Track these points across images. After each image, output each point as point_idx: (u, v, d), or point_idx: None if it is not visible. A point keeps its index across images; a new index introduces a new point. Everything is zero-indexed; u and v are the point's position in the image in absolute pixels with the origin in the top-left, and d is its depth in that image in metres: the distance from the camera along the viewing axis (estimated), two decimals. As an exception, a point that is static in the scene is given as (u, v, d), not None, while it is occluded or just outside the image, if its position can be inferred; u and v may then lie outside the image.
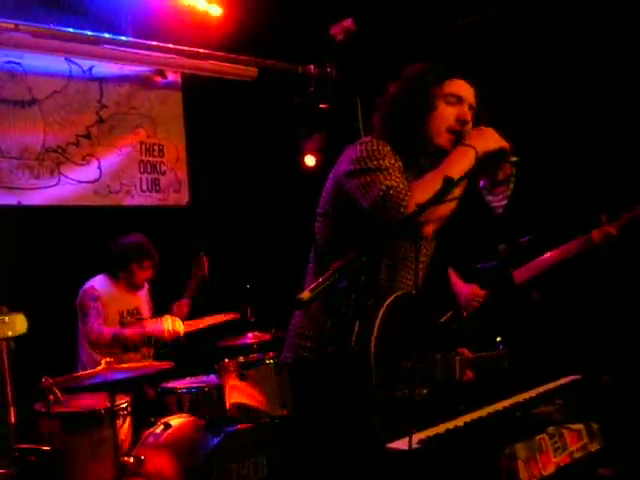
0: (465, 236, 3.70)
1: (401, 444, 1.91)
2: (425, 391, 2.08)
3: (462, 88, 2.50)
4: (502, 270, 3.39)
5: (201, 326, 4.89)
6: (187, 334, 4.77)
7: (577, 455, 1.87)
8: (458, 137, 2.42)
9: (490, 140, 2.35)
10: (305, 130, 5.97)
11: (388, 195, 2.23)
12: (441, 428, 2.08)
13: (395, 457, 1.87)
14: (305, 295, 1.72)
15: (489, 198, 3.77)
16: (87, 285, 4.59)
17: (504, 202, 3.70)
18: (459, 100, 2.47)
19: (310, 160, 5.94)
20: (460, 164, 2.30)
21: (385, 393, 2.05)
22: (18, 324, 2.54)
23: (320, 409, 2.27)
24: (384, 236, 2.16)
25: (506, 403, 2.30)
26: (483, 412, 2.21)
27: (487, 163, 2.34)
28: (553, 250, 3.38)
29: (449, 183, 2.15)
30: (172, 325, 4.64)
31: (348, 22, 5.60)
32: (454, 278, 3.74)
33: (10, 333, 2.49)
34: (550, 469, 1.77)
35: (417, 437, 1.91)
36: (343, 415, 2.16)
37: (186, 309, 4.84)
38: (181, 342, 4.77)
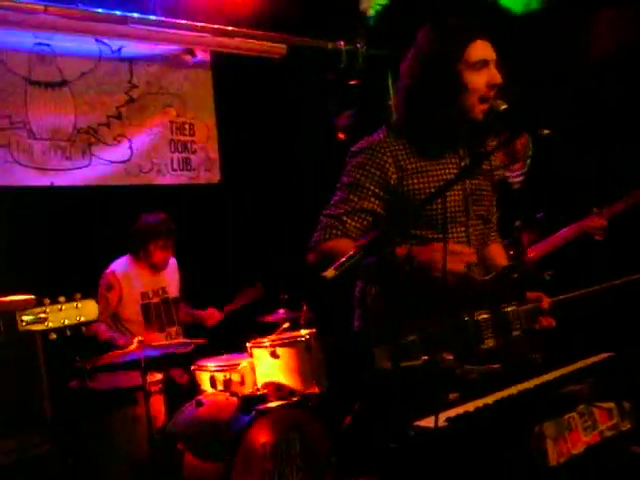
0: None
1: (428, 422, 1.89)
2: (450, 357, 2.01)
3: (485, 49, 2.23)
4: (517, 246, 3.30)
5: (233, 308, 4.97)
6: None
7: (608, 434, 1.82)
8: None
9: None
10: (336, 107, 5.91)
11: (322, 222, 2.33)
12: (470, 406, 2.05)
13: (422, 435, 1.85)
14: (330, 273, 1.70)
15: (506, 174, 3.72)
16: (109, 269, 4.55)
17: (521, 178, 3.65)
18: (485, 63, 2.22)
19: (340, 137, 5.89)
20: None
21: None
22: (90, 310, 2.58)
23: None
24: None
25: (537, 381, 2.26)
26: (512, 390, 2.18)
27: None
28: (567, 227, 3.33)
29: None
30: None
31: (378, -3, 5.54)
32: None
33: (82, 318, 2.54)
34: (579, 448, 1.73)
35: (444, 415, 1.89)
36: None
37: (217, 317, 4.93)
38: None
